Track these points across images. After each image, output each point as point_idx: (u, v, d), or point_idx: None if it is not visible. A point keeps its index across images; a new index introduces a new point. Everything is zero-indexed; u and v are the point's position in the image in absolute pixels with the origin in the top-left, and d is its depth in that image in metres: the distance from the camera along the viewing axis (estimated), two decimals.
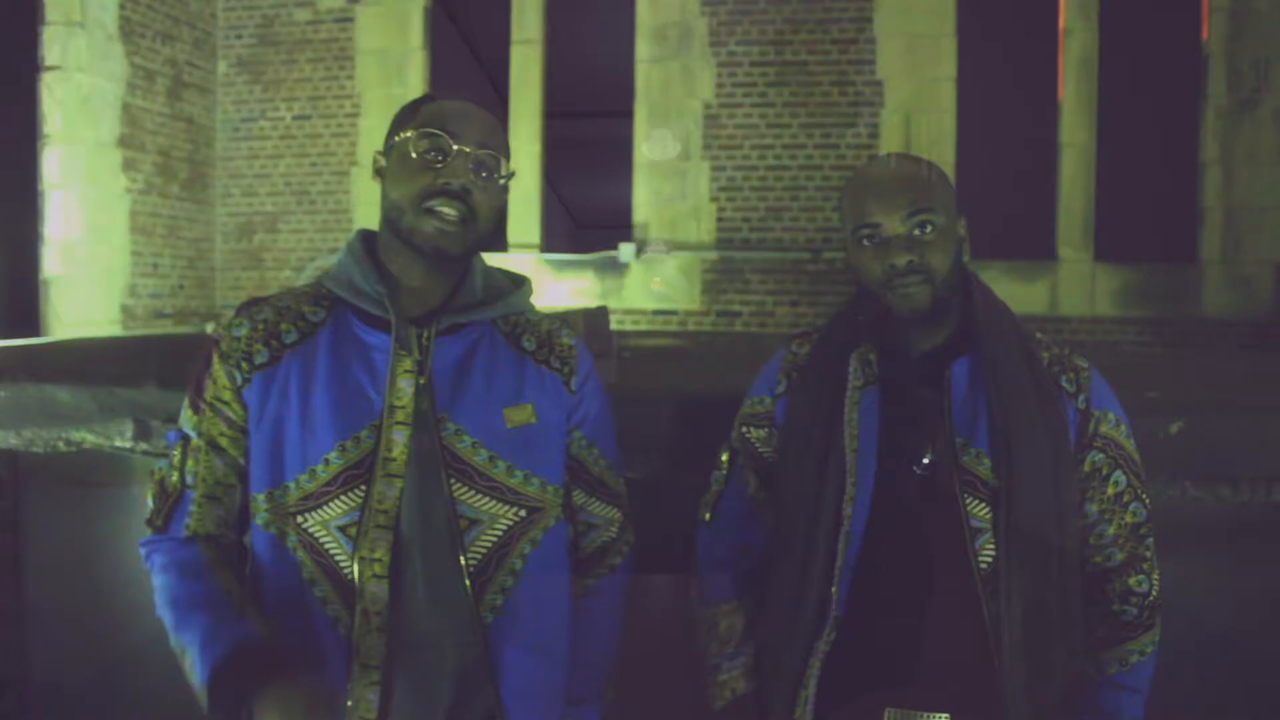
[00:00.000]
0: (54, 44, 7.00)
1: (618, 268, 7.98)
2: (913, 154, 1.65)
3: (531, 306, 1.65)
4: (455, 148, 1.44)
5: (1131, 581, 1.59)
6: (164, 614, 1.44)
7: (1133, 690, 1.60)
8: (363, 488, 1.43)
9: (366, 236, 1.58)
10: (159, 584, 1.47)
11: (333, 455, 1.43)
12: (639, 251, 7.89)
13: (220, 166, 8.60)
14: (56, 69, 7.01)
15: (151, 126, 7.76)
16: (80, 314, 7.07)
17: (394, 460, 1.43)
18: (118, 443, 2.38)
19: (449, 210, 1.43)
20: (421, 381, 1.46)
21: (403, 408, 1.44)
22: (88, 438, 2.41)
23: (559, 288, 7.98)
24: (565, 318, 1.72)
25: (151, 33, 7.74)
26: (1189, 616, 2.00)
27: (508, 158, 1.52)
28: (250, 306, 1.53)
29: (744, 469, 1.76)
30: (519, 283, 1.64)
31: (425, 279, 1.51)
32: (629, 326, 7.91)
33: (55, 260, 7.04)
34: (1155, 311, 7.39)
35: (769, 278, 7.78)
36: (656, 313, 7.94)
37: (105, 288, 7.30)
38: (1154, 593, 1.60)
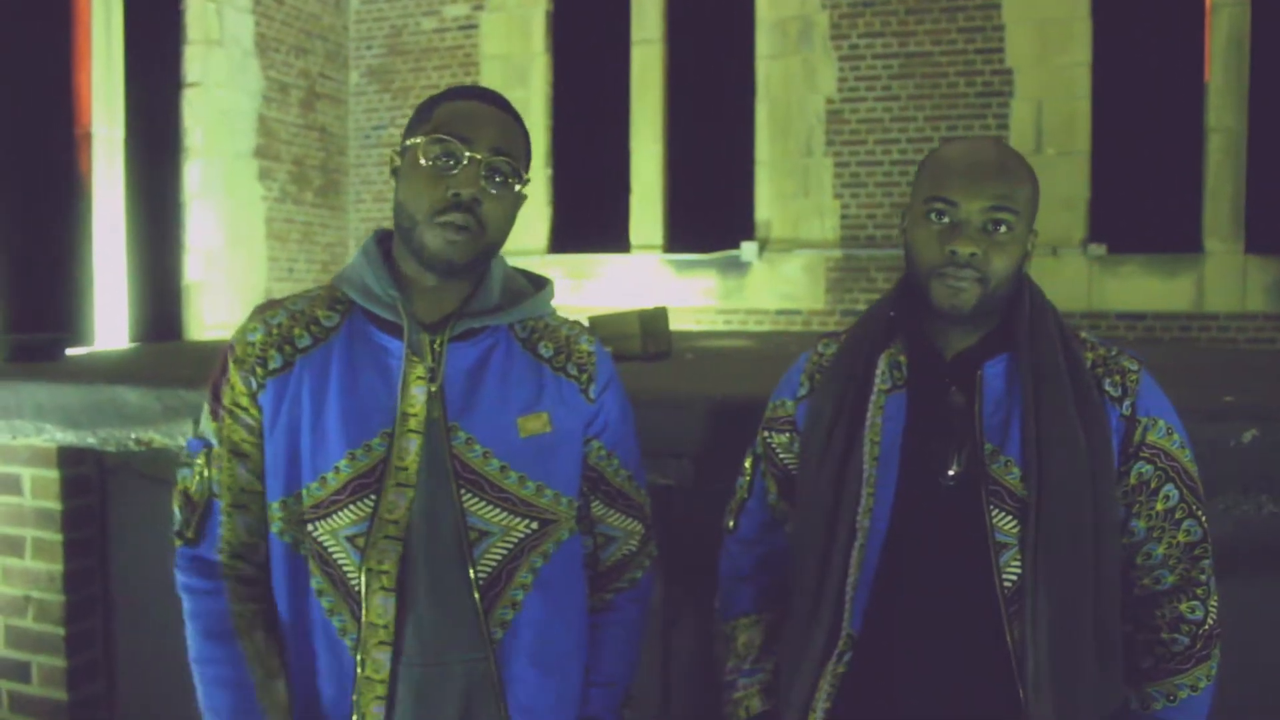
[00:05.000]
0: (195, 62, 7.38)
1: (740, 267, 7.91)
2: (1016, 150, 1.52)
3: (552, 310, 1.59)
4: (467, 155, 1.38)
5: (1184, 607, 1.44)
6: (192, 665, 1.48)
7: None
8: (372, 497, 1.40)
9: (383, 237, 1.53)
10: (188, 630, 1.49)
11: (342, 463, 1.41)
12: (761, 250, 7.80)
13: (352, 173, 8.90)
14: (197, 85, 7.38)
15: (286, 137, 8.08)
16: (219, 318, 7.41)
17: (405, 469, 1.40)
18: (180, 441, 2.46)
19: (458, 221, 1.38)
20: (434, 389, 1.42)
21: (415, 415, 1.41)
22: (155, 437, 2.50)
23: (682, 287, 7.95)
24: (590, 324, 1.65)
25: (285, 47, 8.05)
26: (1262, 647, 1.81)
27: (526, 163, 1.46)
28: (264, 310, 1.51)
29: (765, 476, 1.67)
30: (540, 285, 1.59)
31: (438, 285, 1.46)
32: (752, 327, 7.82)
33: (197, 267, 7.43)
34: None
35: (894, 276, 7.55)
36: (780, 313, 7.83)
37: (243, 292, 7.63)
38: (1209, 620, 1.44)
